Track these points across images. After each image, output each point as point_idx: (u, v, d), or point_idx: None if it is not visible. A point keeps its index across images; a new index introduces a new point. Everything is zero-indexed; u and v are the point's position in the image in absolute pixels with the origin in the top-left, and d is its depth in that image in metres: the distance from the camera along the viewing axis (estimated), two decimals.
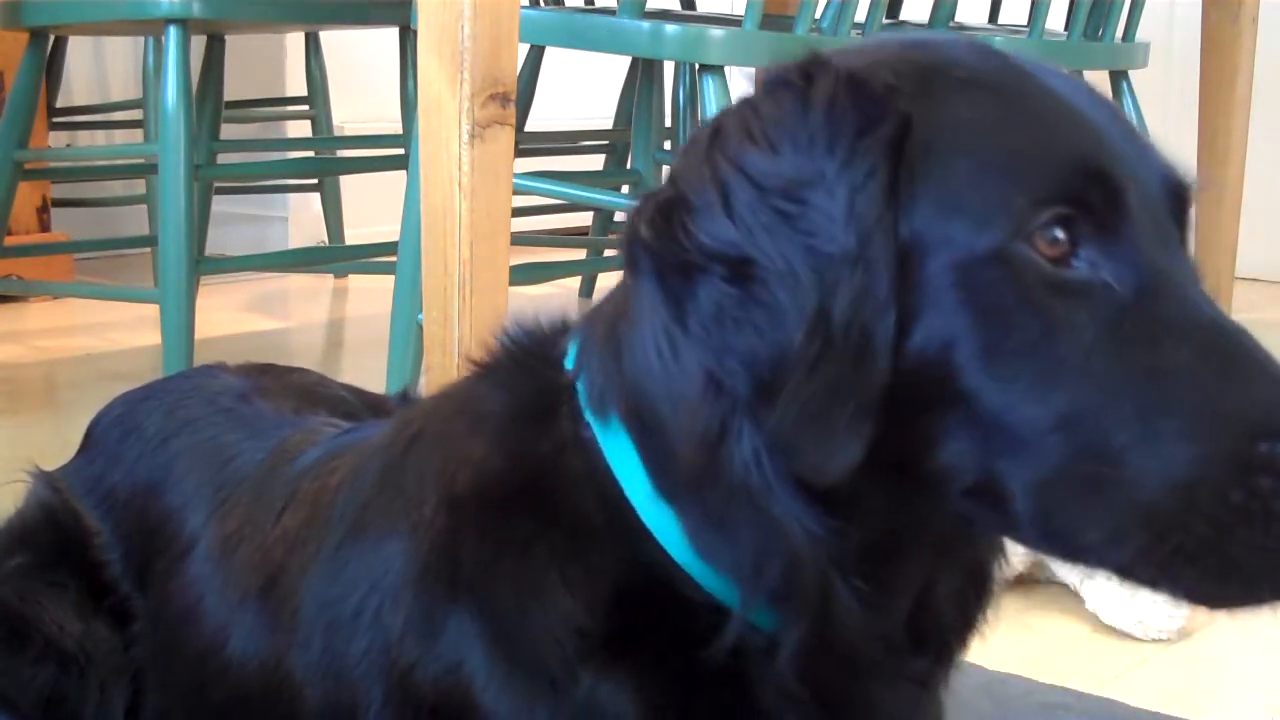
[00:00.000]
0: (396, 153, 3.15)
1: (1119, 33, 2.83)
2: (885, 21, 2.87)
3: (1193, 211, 0.92)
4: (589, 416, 0.93)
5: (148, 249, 3.81)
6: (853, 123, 0.83)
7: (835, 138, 0.83)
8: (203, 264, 2.83)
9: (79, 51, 4.33)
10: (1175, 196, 0.90)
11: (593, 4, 3.40)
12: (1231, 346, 0.82)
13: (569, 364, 0.96)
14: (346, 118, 4.31)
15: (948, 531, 0.89)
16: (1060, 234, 0.82)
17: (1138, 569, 0.81)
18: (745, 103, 0.88)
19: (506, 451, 0.95)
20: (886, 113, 0.84)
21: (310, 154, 4.05)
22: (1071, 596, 1.87)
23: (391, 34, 3.42)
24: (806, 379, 0.81)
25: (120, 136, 4.29)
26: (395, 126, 3.45)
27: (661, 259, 0.85)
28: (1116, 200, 0.84)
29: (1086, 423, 0.81)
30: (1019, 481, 0.82)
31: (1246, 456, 0.78)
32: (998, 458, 0.82)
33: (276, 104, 4.31)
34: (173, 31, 2.65)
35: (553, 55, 3.05)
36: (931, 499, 0.85)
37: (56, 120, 3.97)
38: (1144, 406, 0.80)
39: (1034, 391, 0.81)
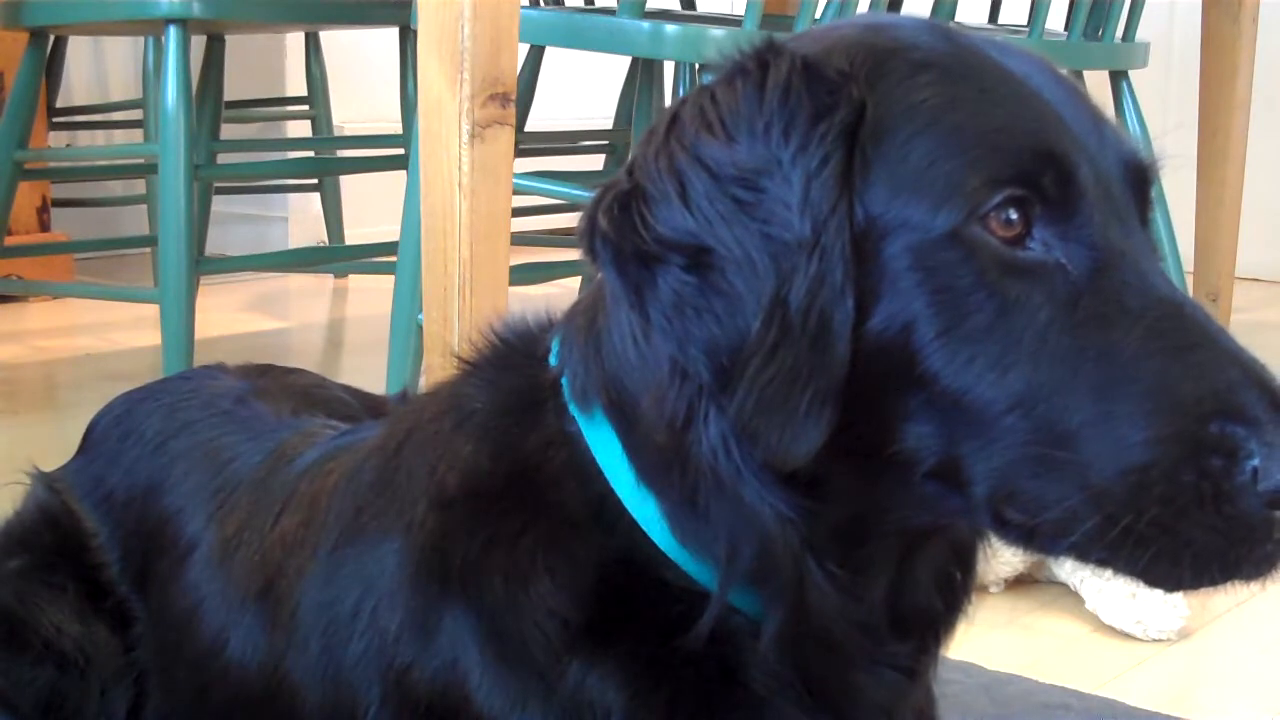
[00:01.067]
0: (396, 153, 3.15)
1: (1119, 33, 2.82)
2: None
3: (1154, 190, 0.93)
4: (573, 410, 0.94)
5: (148, 249, 3.81)
6: (807, 110, 0.84)
7: (790, 125, 0.84)
8: (203, 264, 2.83)
9: (79, 51, 4.33)
10: (1135, 175, 0.90)
11: (593, 4, 3.40)
12: (1186, 325, 0.83)
13: (553, 360, 0.97)
14: (346, 118, 4.30)
15: (915, 514, 0.90)
16: (1014, 215, 0.83)
17: (1091, 550, 0.82)
18: (702, 91, 0.89)
19: (493, 449, 0.96)
20: (840, 99, 0.84)
21: (310, 154, 4.05)
22: (1071, 596, 1.87)
23: (391, 34, 3.42)
24: (765, 365, 0.82)
25: (120, 136, 4.29)
26: (395, 126, 3.45)
27: (620, 250, 0.86)
28: (1070, 180, 0.84)
29: (1041, 404, 0.82)
30: (979, 466, 0.83)
31: (1198, 437, 0.79)
32: (958, 441, 0.83)
33: (276, 104, 4.30)
34: (173, 31, 2.65)
35: (553, 55, 3.04)
36: (897, 482, 0.87)
37: (56, 120, 3.97)
38: (1097, 388, 0.81)
39: (991, 373, 0.82)
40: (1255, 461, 0.78)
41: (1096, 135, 0.89)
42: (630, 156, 0.89)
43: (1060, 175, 0.84)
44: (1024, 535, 0.85)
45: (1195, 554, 0.80)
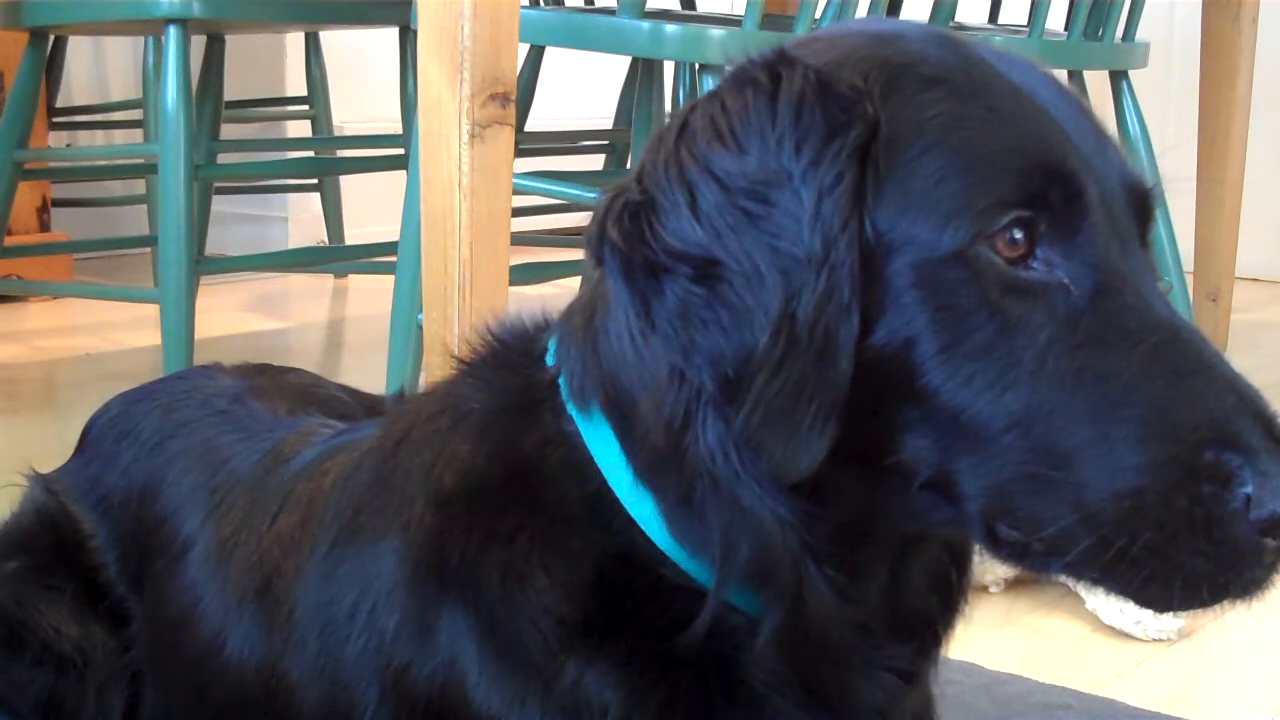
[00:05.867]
0: (396, 153, 3.15)
1: (1119, 33, 2.82)
2: None
3: (1154, 212, 0.93)
4: (570, 409, 0.94)
5: (148, 249, 3.81)
6: (821, 125, 0.84)
7: (803, 140, 0.84)
8: (203, 264, 2.83)
9: (79, 51, 4.33)
10: (1137, 196, 0.90)
11: (593, 4, 3.40)
12: (1184, 351, 0.83)
13: (550, 359, 0.97)
14: (346, 118, 4.31)
15: (910, 523, 0.90)
16: (1019, 235, 0.84)
17: (1084, 570, 0.83)
18: (711, 98, 0.88)
19: (490, 448, 0.96)
20: (854, 116, 0.84)
21: (310, 154, 4.05)
22: (1071, 596, 1.87)
23: (391, 34, 3.42)
24: (771, 379, 0.82)
25: (120, 136, 4.30)
26: (395, 126, 3.45)
27: (629, 259, 0.85)
28: (1076, 201, 0.85)
29: (1039, 425, 0.82)
30: (974, 481, 0.84)
31: (1193, 464, 0.80)
32: (955, 456, 0.84)
33: (276, 104, 4.30)
34: (173, 31, 2.65)
35: (553, 55, 3.04)
36: (893, 491, 0.87)
37: (56, 120, 3.97)
38: (1095, 411, 0.82)
39: (990, 391, 0.83)
40: (1248, 489, 0.79)
41: (1101, 154, 0.89)
42: (639, 164, 0.89)
43: (1067, 194, 0.85)
44: (1016, 552, 0.85)
45: (1186, 577, 0.81)
